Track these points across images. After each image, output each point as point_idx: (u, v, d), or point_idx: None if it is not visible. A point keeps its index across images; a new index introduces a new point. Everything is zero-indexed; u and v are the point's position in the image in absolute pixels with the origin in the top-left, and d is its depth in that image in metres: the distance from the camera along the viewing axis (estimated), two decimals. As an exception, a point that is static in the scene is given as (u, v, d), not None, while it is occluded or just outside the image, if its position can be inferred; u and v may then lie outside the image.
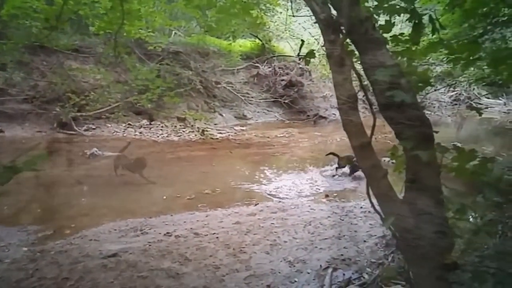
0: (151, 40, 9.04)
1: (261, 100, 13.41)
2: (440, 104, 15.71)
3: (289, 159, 8.39)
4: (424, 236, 1.67)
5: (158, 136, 9.89)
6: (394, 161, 2.04)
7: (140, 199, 5.59)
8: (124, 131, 9.92)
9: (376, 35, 1.71)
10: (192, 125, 10.51)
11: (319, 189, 6.15)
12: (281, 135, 10.95)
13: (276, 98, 13.45)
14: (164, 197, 5.63)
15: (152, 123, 10.53)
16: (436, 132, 1.68)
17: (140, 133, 10.00)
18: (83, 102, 9.40)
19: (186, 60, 12.03)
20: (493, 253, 1.93)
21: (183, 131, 10.34)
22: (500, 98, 16.74)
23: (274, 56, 13.97)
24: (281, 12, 13.40)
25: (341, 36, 1.75)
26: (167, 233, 4.21)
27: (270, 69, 13.79)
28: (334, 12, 1.78)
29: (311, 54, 1.92)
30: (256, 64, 13.77)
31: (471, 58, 1.78)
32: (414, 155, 1.60)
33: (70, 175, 6.65)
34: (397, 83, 1.60)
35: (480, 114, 2.06)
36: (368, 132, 1.78)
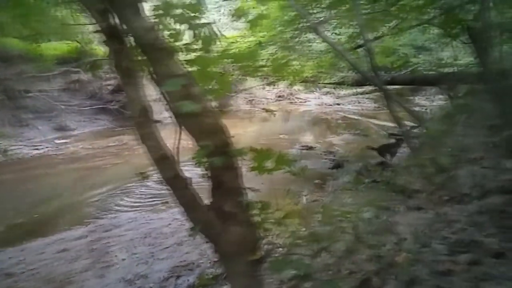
0: None
1: (86, 108, 12.21)
2: (268, 100, 17.50)
3: (123, 169, 7.77)
4: (232, 237, 1.75)
5: None
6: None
7: None
8: None
9: (164, 44, 1.68)
10: (-10, 144, 8.78)
11: (157, 198, 5.93)
12: (113, 144, 10.18)
13: (103, 105, 12.42)
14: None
15: None
16: (233, 136, 1.76)
17: None
18: None
19: (-19, 67, 10.00)
20: (293, 241, 2.18)
21: (-20, 152, 8.56)
22: (314, 93, 19.58)
23: (96, 60, 12.86)
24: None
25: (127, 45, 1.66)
26: (-37, 281, 3.44)
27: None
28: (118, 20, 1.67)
29: (95, 65, 1.78)
30: (76, 69, 12.33)
31: (254, 66, 1.94)
32: (213, 161, 1.64)
33: None
34: (187, 93, 1.61)
35: (274, 115, 2.29)
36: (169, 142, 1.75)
